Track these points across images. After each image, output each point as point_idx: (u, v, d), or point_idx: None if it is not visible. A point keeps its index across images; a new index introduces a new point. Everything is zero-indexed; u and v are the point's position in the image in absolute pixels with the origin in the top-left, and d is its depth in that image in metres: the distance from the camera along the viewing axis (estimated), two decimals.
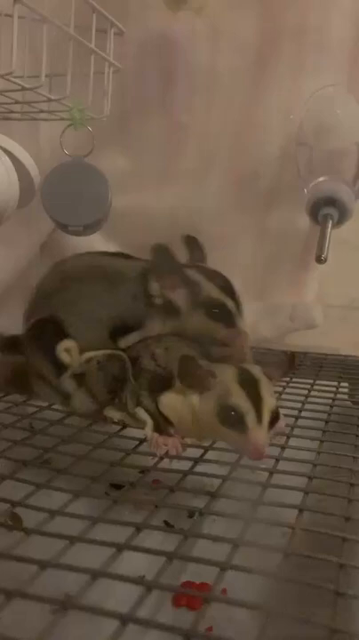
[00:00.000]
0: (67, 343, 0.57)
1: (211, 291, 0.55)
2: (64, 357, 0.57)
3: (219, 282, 0.55)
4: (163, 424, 0.54)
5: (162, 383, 0.54)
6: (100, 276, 0.59)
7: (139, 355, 0.57)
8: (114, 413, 0.59)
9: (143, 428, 0.55)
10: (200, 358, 0.52)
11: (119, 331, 0.57)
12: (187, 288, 0.55)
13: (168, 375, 0.53)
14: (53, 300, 0.59)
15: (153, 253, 0.54)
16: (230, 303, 0.55)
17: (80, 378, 0.58)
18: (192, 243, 0.60)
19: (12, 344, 0.64)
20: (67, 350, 0.57)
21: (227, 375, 0.49)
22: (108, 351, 0.57)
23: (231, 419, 0.47)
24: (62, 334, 0.57)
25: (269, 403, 0.48)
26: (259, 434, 0.46)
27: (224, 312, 0.55)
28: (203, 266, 0.57)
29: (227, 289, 0.55)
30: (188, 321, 0.55)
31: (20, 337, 0.62)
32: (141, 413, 0.55)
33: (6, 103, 0.64)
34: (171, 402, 0.53)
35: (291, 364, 0.54)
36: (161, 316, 0.56)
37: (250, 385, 0.48)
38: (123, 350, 0.57)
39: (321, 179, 0.80)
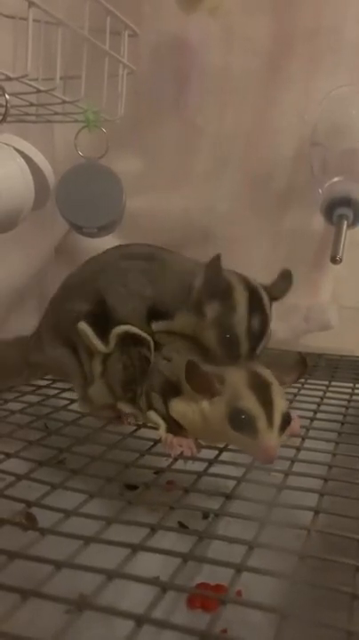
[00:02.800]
0: (82, 325, 0.57)
1: (240, 324, 0.53)
2: (81, 336, 0.58)
3: (255, 323, 0.53)
4: (175, 427, 0.54)
5: (172, 388, 0.53)
6: (155, 259, 0.59)
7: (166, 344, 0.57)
8: (126, 407, 0.59)
9: (157, 429, 0.55)
10: (207, 363, 0.52)
11: (155, 313, 0.57)
12: (223, 306, 0.53)
13: (177, 381, 0.53)
14: (104, 272, 0.60)
15: (210, 260, 0.53)
16: (245, 346, 0.53)
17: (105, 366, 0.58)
18: (286, 277, 0.58)
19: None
20: (81, 332, 0.57)
21: (236, 379, 0.48)
22: (127, 327, 0.57)
23: (241, 423, 0.46)
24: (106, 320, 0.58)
25: (280, 406, 0.47)
26: (270, 438, 0.45)
27: (233, 346, 0.53)
28: (261, 299, 0.54)
29: (257, 332, 0.53)
30: (203, 331, 0.54)
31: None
32: (154, 417, 0.55)
33: (21, 106, 0.64)
34: (180, 409, 0.52)
35: (304, 367, 0.53)
36: (189, 314, 0.55)
37: (260, 388, 0.47)
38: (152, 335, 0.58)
39: (335, 179, 0.80)
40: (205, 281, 0.54)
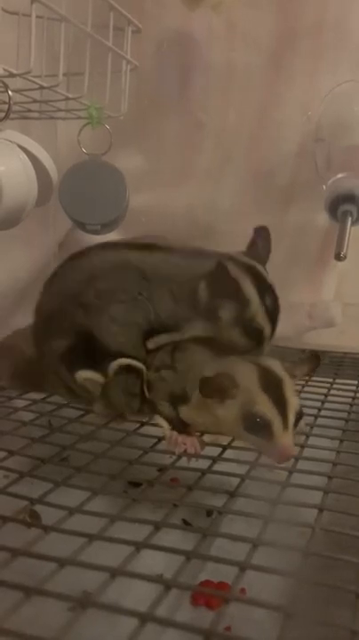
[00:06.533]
0: (85, 374, 0.55)
1: (258, 312, 0.52)
2: (88, 386, 0.55)
3: (269, 302, 0.53)
4: (179, 426, 0.54)
5: (178, 396, 0.53)
6: (135, 274, 0.54)
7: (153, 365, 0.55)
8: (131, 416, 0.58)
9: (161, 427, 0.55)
10: (214, 360, 0.52)
11: (152, 332, 0.54)
12: (237, 304, 0.52)
13: (182, 392, 0.53)
14: (83, 305, 0.55)
15: (215, 268, 0.51)
16: (268, 329, 0.53)
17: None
18: (262, 233, 0.57)
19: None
20: (87, 380, 0.55)
21: (249, 380, 0.48)
22: (127, 361, 0.54)
23: (257, 426, 0.46)
24: (92, 356, 0.55)
25: (293, 404, 0.47)
26: (286, 439, 0.45)
27: (257, 335, 0.53)
28: (262, 275, 0.54)
29: (273, 312, 0.53)
30: (224, 333, 0.53)
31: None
32: (159, 421, 0.55)
33: (24, 102, 0.64)
34: (191, 416, 0.52)
35: (316, 361, 0.53)
36: (201, 322, 0.53)
37: (273, 387, 0.47)
38: (149, 352, 0.55)
39: (339, 175, 0.80)
40: (214, 291, 0.52)
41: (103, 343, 0.54)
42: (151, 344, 0.54)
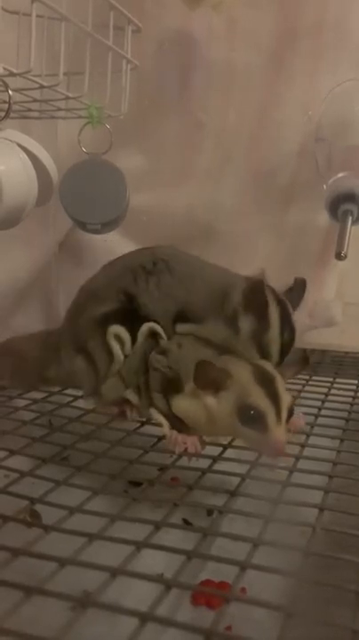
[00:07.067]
0: (116, 329, 0.57)
1: (274, 341, 0.54)
2: (113, 344, 0.57)
3: (286, 339, 0.54)
4: (178, 424, 0.54)
5: (171, 385, 0.54)
6: (190, 263, 0.60)
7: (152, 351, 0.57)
8: (133, 397, 0.58)
9: (161, 426, 0.55)
10: (213, 355, 0.52)
11: (182, 316, 0.57)
12: (259, 323, 0.54)
13: (176, 376, 0.53)
14: (136, 270, 0.59)
15: (255, 279, 0.54)
16: (275, 361, 0.54)
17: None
18: (300, 285, 0.60)
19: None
20: (116, 336, 0.57)
21: (243, 374, 0.49)
22: (157, 327, 0.57)
23: (251, 418, 0.47)
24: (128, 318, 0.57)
25: (286, 400, 0.48)
26: (280, 432, 0.46)
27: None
28: (290, 314, 0.56)
29: (285, 349, 0.55)
30: (238, 345, 0.54)
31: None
32: (155, 415, 0.55)
33: (25, 102, 0.64)
34: (183, 406, 0.53)
35: (305, 362, 0.54)
36: (220, 323, 0.55)
37: (267, 383, 0.48)
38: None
39: (340, 174, 0.80)
40: (246, 298, 0.54)
41: (142, 308, 0.57)
42: (178, 328, 0.57)
